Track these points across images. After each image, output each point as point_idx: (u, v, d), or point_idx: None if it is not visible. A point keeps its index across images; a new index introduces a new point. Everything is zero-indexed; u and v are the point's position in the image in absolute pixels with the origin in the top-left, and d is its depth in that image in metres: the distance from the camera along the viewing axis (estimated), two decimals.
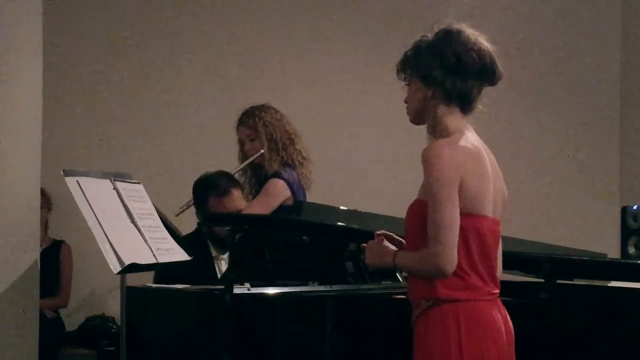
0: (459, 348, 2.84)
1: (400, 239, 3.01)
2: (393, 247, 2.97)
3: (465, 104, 2.97)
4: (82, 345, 6.03)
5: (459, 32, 2.98)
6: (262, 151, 4.93)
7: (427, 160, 2.84)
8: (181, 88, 6.56)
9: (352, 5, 6.71)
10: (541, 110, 7.04)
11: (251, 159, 4.96)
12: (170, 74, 6.55)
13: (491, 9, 6.95)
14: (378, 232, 3.03)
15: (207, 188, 4.63)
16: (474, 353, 2.85)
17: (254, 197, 4.98)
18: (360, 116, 6.61)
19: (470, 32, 3.00)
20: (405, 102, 3.02)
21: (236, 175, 4.98)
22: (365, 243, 3.05)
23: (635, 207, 5.26)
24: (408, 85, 3.01)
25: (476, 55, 2.95)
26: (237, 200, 4.60)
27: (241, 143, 5.06)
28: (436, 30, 3.00)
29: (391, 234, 3.03)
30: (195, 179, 4.75)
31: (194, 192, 4.71)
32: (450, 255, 2.80)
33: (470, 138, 2.94)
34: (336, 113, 6.53)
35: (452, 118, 2.94)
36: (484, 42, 3.00)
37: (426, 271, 2.85)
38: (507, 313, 3.00)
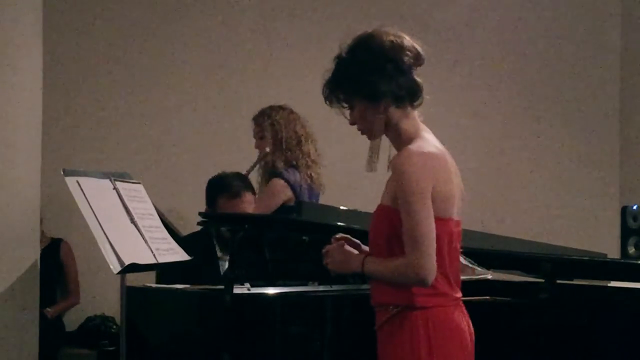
0: (430, 355, 2.82)
1: (358, 241, 2.99)
2: (356, 252, 2.96)
3: (414, 97, 2.92)
4: (82, 345, 6.03)
5: (376, 37, 2.92)
6: (267, 149, 4.95)
7: (399, 169, 2.81)
8: (181, 88, 6.56)
9: (357, 8, 6.70)
10: (541, 110, 7.04)
11: (259, 158, 4.99)
12: (171, 74, 6.55)
13: (491, 10, 6.95)
14: (337, 237, 3.00)
15: (219, 187, 4.61)
16: (443, 359, 2.84)
17: None
18: None
19: (383, 32, 2.93)
20: (352, 124, 2.96)
21: (251, 174, 5.01)
22: (326, 248, 3.00)
23: (635, 207, 5.26)
24: (348, 108, 2.95)
25: (406, 49, 2.90)
26: (247, 205, 4.56)
27: (255, 140, 5.10)
28: (347, 47, 2.94)
29: (348, 236, 3.00)
30: (210, 177, 4.75)
31: (206, 190, 4.70)
32: (432, 265, 2.78)
33: (432, 141, 2.92)
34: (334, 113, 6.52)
35: (407, 120, 2.91)
36: (398, 33, 2.94)
37: (404, 280, 2.82)
38: (469, 316, 2.97)
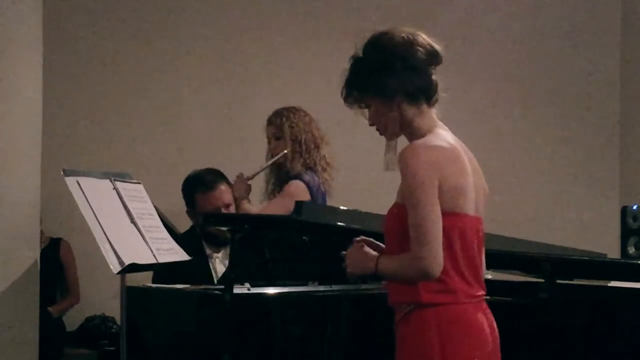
0: (442, 353, 2.79)
1: (381, 244, 2.96)
2: (374, 253, 2.92)
3: (429, 96, 2.92)
4: (82, 345, 6.04)
5: (388, 35, 2.92)
6: (286, 151, 4.94)
7: (404, 162, 2.80)
8: (182, 88, 6.56)
9: (358, 9, 6.70)
10: (541, 110, 7.04)
11: (275, 158, 4.97)
12: (171, 73, 6.55)
13: (491, 10, 6.95)
14: (357, 239, 2.98)
15: (193, 185, 4.68)
16: (456, 358, 2.80)
17: (274, 197, 4.99)
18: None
19: (396, 29, 2.93)
20: (371, 124, 2.97)
21: (262, 173, 5.02)
22: (345, 251, 2.99)
23: (635, 207, 5.26)
24: (366, 108, 2.95)
25: (418, 46, 2.90)
26: (224, 194, 4.64)
27: (268, 141, 5.09)
28: (361, 46, 2.94)
29: (370, 239, 2.97)
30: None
31: (182, 191, 4.75)
32: (436, 258, 2.75)
33: (445, 136, 2.91)
34: (337, 116, 6.52)
35: (421, 118, 2.91)
36: (413, 31, 2.93)
37: (411, 275, 2.80)
38: (492, 317, 2.94)
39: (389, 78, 2.87)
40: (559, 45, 7.06)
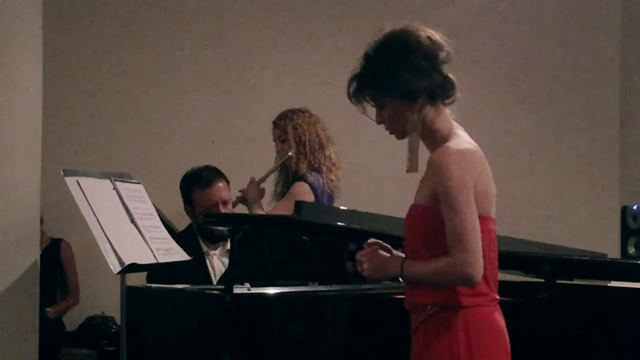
0: (469, 354, 2.76)
1: (389, 246, 2.91)
2: (390, 256, 2.87)
3: (447, 94, 2.86)
4: (82, 345, 6.04)
5: (410, 33, 2.82)
6: (290, 154, 4.95)
7: (439, 167, 2.75)
8: (181, 88, 6.56)
9: (357, 9, 6.69)
10: (541, 110, 7.04)
11: (281, 161, 4.98)
12: (171, 73, 6.55)
13: (491, 10, 6.95)
14: (369, 242, 2.92)
15: (191, 181, 4.70)
16: (483, 359, 2.78)
17: (281, 198, 5.00)
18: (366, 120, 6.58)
19: (416, 27, 2.84)
20: (380, 123, 2.87)
21: (272, 176, 5.04)
22: (359, 255, 2.92)
23: (635, 207, 5.26)
24: (377, 108, 2.86)
25: (439, 45, 2.83)
26: (222, 191, 4.65)
27: (275, 144, 5.10)
28: (377, 44, 2.84)
29: (379, 241, 2.92)
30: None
31: (180, 188, 4.76)
32: (479, 263, 2.70)
33: (466, 137, 2.87)
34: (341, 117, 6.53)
35: (440, 119, 2.85)
36: (428, 29, 2.86)
37: (449, 281, 2.75)
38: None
39: (414, 78, 2.79)
40: (558, 46, 7.06)
